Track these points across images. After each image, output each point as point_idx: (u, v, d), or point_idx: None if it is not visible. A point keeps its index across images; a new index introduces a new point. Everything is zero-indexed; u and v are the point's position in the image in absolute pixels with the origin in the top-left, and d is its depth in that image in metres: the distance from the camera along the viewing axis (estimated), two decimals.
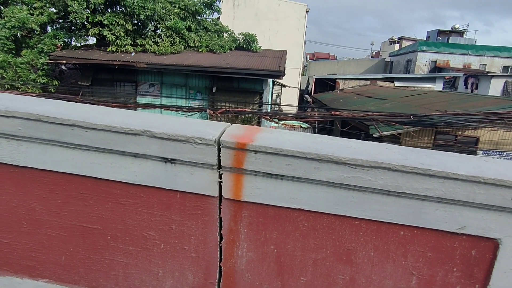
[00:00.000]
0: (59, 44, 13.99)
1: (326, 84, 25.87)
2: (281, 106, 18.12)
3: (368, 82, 23.85)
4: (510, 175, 1.26)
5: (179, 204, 1.43)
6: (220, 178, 1.36)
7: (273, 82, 18.77)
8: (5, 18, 13.96)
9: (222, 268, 1.48)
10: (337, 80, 24.48)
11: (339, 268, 1.43)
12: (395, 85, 22.44)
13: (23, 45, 14.48)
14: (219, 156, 1.32)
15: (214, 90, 13.17)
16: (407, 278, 1.41)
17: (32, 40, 14.29)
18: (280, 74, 12.21)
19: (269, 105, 16.09)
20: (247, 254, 1.45)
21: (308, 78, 30.40)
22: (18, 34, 14.18)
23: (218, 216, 1.42)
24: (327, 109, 14.61)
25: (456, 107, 10.95)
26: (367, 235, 1.38)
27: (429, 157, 1.36)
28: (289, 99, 20.61)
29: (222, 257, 1.46)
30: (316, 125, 16.28)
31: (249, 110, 11.75)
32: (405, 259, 1.39)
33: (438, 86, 22.79)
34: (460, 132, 10.11)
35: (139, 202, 1.45)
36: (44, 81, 13.66)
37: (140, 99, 14.34)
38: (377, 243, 1.39)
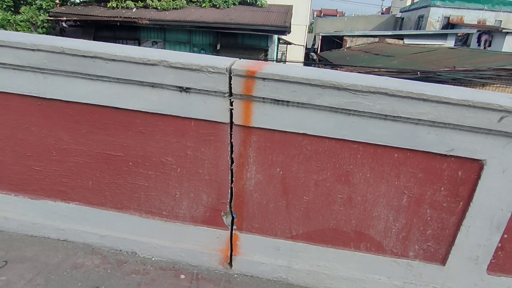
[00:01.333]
0: (57, 0, 13.63)
1: (333, 42, 25.13)
2: (286, 64, 17.83)
3: (377, 39, 23.11)
4: (497, 100, 1.37)
5: (193, 131, 1.57)
6: (231, 105, 1.48)
7: (278, 39, 18.29)
8: None
9: (233, 189, 1.65)
10: (344, 38, 23.73)
11: (338, 188, 1.59)
12: (405, 42, 21.75)
13: (22, 2, 14.13)
14: (230, 84, 1.44)
15: (218, 47, 12.95)
16: (399, 197, 1.58)
17: None
18: (285, 30, 11.90)
19: (274, 62, 15.85)
20: (255, 176, 1.62)
21: (315, 36, 29.47)
22: None
23: (229, 142, 1.56)
24: (333, 66, 14.38)
25: (466, 63, 10.73)
26: (364, 158, 1.53)
27: (424, 86, 1.46)
28: (295, 57, 20.20)
29: (233, 179, 1.63)
30: None
31: None
32: (398, 179, 1.55)
33: (450, 43, 22.03)
34: None
35: (157, 130, 1.60)
36: None
37: None
38: (373, 165, 1.54)
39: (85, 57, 1.47)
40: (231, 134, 1.55)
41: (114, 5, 13.25)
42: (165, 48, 14.06)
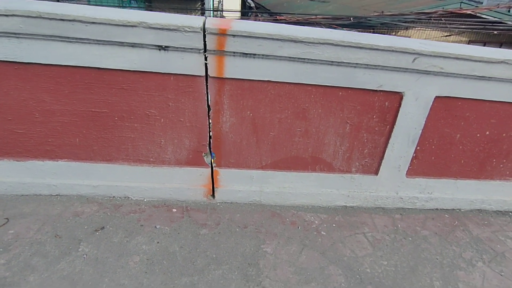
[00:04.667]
0: None
1: None
2: (223, 12, 17.30)
3: None
4: (411, 45, 1.79)
5: (173, 85, 1.79)
6: (206, 60, 1.72)
7: None
8: None
9: (211, 132, 1.94)
10: None
11: (297, 123, 1.97)
12: None
13: None
14: (204, 41, 1.66)
15: None
16: (343, 126, 2.01)
17: None
18: None
19: (211, 12, 15.29)
20: (229, 120, 1.92)
21: None
22: None
23: (205, 92, 1.82)
24: (271, 14, 14.38)
25: (392, 8, 11.55)
26: (316, 97, 1.90)
27: (360, 36, 1.83)
28: (232, 5, 19.59)
29: (211, 123, 1.92)
30: None
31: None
32: (342, 112, 1.97)
33: None
34: (394, 33, 10.92)
35: (139, 86, 1.78)
36: None
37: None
38: (323, 103, 1.93)
39: (63, 20, 1.56)
40: (207, 85, 1.80)
41: None
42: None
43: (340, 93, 1.91)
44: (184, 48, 1.67)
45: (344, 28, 10.37)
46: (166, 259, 1.68)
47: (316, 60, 1.76)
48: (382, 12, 10.78)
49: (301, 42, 1.70)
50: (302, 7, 15.25)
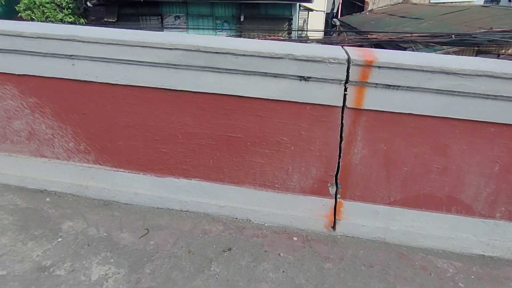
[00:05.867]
0: None
1: (353, 6, 24.21)
2: (307, 33, 17.48)
3: (400, 0, 22.12)
4: None
5: (308, 114, 1.80)
6: (345, 90, 1.69)
7: (299, 6, 17.85)
8: None
9: (340, 163, 1.90)
10: (365, 0, 22.81)
11: (435, 159, 1.81)
12: (431, 1, 20.78)
13: None
14: (347, 73, 1.64)
15: (242, 19, 12.83)
16: (491, 165, 1.79)
17: None
18: None
19: (297, 32, 15.58)
20: (361, 151, 1.85)
21: (334, 0, 28.38)
22: None
23: (340, 122, 1.79)
24: (359, 33, 14.04)
25: (502, 24, 10.32)
26: (461, 132, 1.73)
27: None
28: (316, 24, 19.72)
29: (341, 154, 1.87)
30: None
31: (281, 38, 11.54)
32: (492, 150, 1.75)
33: (479, 1, 20.91)
34: (504, 51, 9.70)
35: (275, 114, 1.83)
36: (71, 19, 13.67)
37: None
38: (470, 139, 1.74)
39: (218, 53, 1.69)
40: (342, 116, 1.77)
41: None
42: (188, 22, 14.05)
43: (492, 129, 1.70)
44: (325, 78, 1.67)
45: (444, 47, 9.59)
46: None
47: (468, 93, 1.61)
48: (491, 28, 9.71)
49: (454, 74, 1.57)
50: (392, 25, 14.58)
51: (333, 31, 20.21)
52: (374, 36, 10.01)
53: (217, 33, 13.97)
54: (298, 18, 17.56)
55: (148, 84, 1.87)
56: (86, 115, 2.04)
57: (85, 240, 1.92)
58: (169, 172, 2.12)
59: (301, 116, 1.81)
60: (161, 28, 14.35)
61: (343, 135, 1.82)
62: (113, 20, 13.99)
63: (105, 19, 14.08)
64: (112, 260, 1.78)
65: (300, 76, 1.69)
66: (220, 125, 1.92)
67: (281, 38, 11.47)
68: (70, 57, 1.86)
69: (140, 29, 14.09)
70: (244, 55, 1.67)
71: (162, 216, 2.13)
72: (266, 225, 2.10)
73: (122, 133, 2.05)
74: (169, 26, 14.22)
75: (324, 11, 21.65)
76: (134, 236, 1.96)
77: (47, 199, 2.25)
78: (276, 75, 1.71)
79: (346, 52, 1.66)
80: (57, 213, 2.13)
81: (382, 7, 21.75)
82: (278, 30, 13.22)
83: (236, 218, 2.13)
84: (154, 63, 1.79)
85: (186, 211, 2.18)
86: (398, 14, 17.10)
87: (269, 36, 12.69)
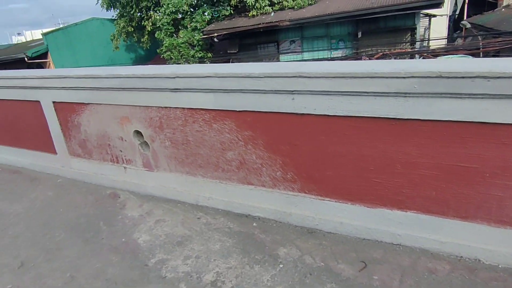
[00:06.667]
0: (206, 20, 15.55)
1: (482, 3, 21.18)
2: (430, 41, 15.92)
3: None
4: None
5: None
6: None
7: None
8: (163, 6, 16.17)
9: None
10: None
11: None
12: None
13: (180, 27, 16.63)
14: None
15: (359, 35, 12.52)
16: None
17: (185, 21, 16.25)
18: (440, 1, 10.61)
19: (419, 41, 14.35)
20: None
21: (456, 0, 25.43)
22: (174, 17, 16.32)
23: None
24: (497, 35, 12.06)
25: None
26: None
27: None
28: (438, 30, 17.88)
29: None
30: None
31: (409, 50, 10.78)
32: None
33: None
34: None
35: None
36: (200, 55, 15.60)
37: (282, 58, 14.88)
38: None
39: (464, 78, 1.56)
40: None
41: (255, 13, 14.29)
42: (302, 45, 14.42)
43: None
44: None
45: None
46: None
47: None
48: None
49: None
50: None
51: (459, 36, 18.00)
52: None
53: (332, 52, 13.94)
54: (419, 26, 16.24)
55: (369, 114, 1.84)
56: (297, 146, 2.14)
57: (306, 269, 1.96)
58: (381, 203, 2.04)
59: None
60: (277, 53, 15.10)
61: None
62: (235, 51, 15.37)
63: (228, 51, 15.58)
64: None
65: None
66: (450, 154, 1.76)
67: (408, 50, 10.67)
68: (292, 92, 1.99)
69: (259, 56, 15.12)
70: (499, 77, 1.49)
71: (373, 249, 2.05)
72: (500, 266, 1.81)
73: (332, 162, 2.07)
74: (284, 51, 14.85)
75: (447, 15, 19.57)
76: (353, 269, 1.92)
77: (254, 224, 2.43)
78: None
79: None
80: (268, 239, 2.26)
81: None
82: (398, 43, 12.42)
83: (462, 256, 1.90)
84: (382, 92, 1.76)
85: (398, 244, 2.05)
86: None
87: (389, 50, 12.00)
